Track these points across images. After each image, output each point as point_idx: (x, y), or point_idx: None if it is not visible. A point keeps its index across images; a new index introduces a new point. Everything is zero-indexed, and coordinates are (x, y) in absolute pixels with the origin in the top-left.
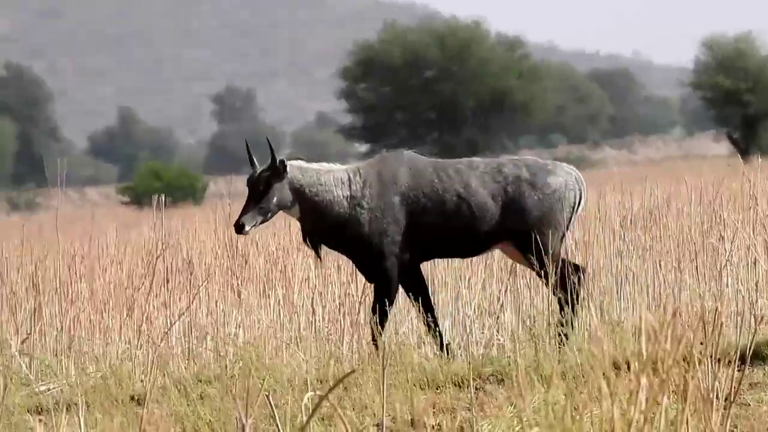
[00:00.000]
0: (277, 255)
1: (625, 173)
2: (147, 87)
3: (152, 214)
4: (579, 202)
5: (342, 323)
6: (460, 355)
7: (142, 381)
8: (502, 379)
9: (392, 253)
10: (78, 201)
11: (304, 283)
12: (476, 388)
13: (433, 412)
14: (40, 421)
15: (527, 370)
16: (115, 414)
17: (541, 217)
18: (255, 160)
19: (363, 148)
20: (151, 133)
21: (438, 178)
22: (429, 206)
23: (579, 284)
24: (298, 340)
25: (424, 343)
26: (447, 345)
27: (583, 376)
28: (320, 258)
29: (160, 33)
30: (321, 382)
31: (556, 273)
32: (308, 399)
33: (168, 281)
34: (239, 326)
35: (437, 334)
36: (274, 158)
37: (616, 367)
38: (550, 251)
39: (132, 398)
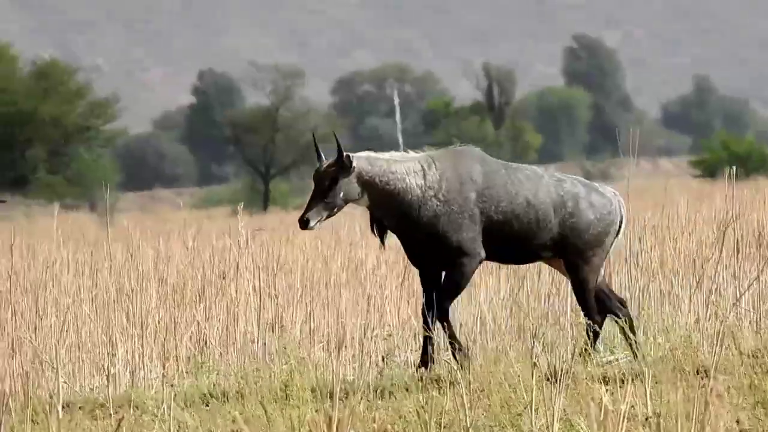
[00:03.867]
0: None
1: None
2: (721, 57)
3: (724, 185)
4: (620, 227)
5: None
6: None
7: (709, 353)
8: None
9: (470, 249)
10: (651, 172)
11: None
12: None
13: None
14: (607, 390)
15: None
16: (680, 386)
17: (595, 236)
18: (322, 154)
19: None
20: (725, 103)
21: (510, 181)
22: (502, 206)
23: (619, 313)
24: None
25: None
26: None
27: None
28: (384, 246)
29: (727, 2)
30: None
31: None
32: None
33: (738, 252)
34: None
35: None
36: (340, 153)
37: None
38: (595, 271)
39: (697, 371)
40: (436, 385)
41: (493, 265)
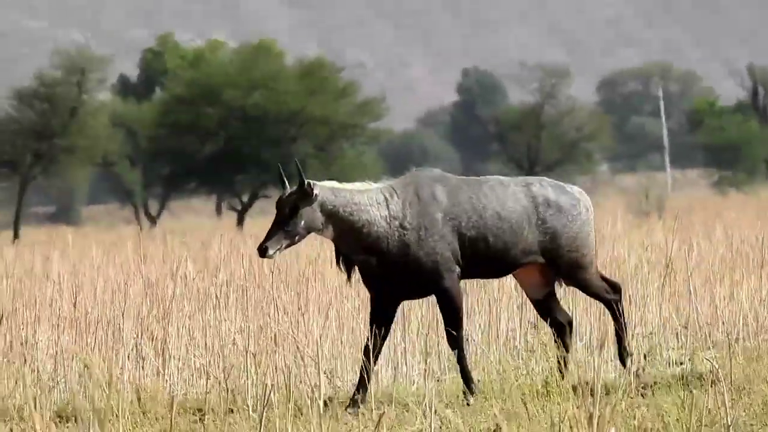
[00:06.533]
0: None
1: None
2: None
3: None
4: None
5: None
6: None
7: None
8: None
9: (448, 269)
10: None
11: None
12: None
13: None
14: None
15: None
16: None
17: (573, 237)
18: (286, 181)
19: None
20: None
21: (475, 196)
22: (473, 221)
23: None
24: None
25: None
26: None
27: None
28: (350, 281)
29: None
30: None
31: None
32: None
33: None
34: None
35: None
36: (302, 181)
37: None
38: (588, 267)
39: None
40: (698, 383)
41: (755, 263)
